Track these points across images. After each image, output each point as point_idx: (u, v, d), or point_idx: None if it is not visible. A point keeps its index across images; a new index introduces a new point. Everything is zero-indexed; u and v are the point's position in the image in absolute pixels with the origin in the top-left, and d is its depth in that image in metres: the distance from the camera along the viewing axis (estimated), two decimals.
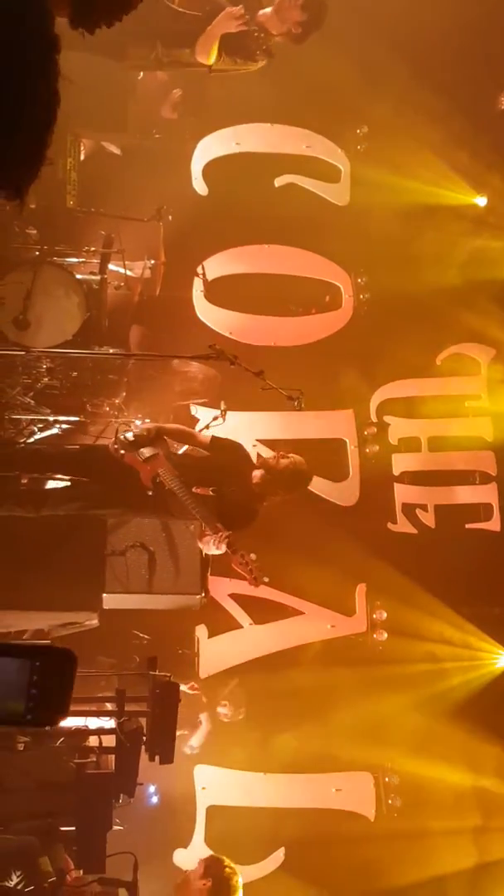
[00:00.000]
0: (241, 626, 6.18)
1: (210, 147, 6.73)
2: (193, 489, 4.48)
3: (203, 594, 5.08)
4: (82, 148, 6.03)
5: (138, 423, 5.06)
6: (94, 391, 5.58)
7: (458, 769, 5.97)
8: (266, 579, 4.43)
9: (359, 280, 6.85)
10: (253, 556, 4.39)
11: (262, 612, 6.12)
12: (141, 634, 5.67)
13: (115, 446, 4.55)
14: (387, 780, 6.11)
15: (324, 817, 5.96)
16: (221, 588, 5.97)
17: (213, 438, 4.78)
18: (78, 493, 4.71)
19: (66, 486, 4.74)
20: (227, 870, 4.36)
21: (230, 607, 6.12)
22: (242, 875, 4.58)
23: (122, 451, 4.50)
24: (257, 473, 4.64)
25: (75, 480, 4.73)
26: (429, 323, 6.65)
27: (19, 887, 3.92)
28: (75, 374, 5.54)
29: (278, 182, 6.76)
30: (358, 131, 6.81)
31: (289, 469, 4.58)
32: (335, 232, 6.67)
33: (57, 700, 1.53)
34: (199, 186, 6.67)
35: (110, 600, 4.96)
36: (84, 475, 4.73)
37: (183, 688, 5.22)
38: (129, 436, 4.53)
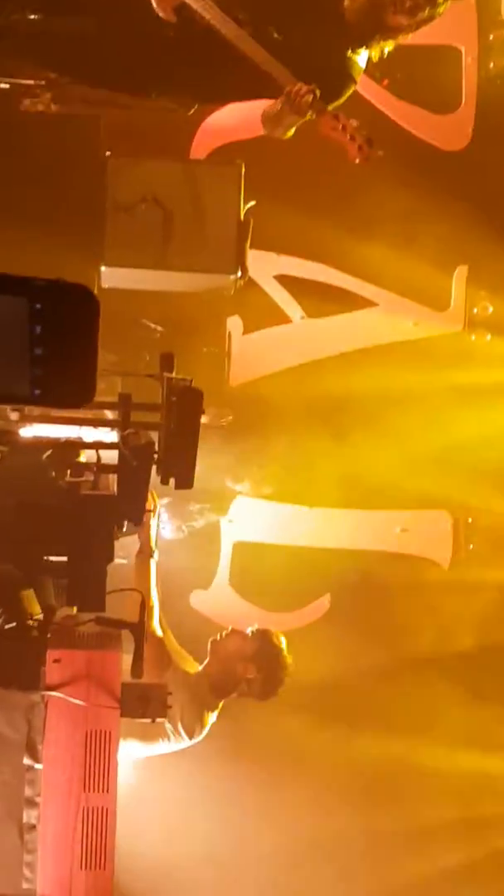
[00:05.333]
0: (291, 321, 6.11)
1: None
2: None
3: (239, 274, 5.00)
4: None
5: None
6: None
7: None
8: (381, 152, 4.19)
9: None
10: (354, 121, 4.07)
11: (320, 301, 6.04)
12: (152, 325, 5.67)
13: None
14: (469, 520, 6.27)
15: (382, 562, 6.19)
16: (265, 266, 5.86)
17: None
18: None
19: None
20: (284, 666, 4.68)
21: (276, 293, 6.03)
22: (277, 625, 4.96)
23: None
24: None
25: None
26: None
27: None
28: None
29: None
30: None
31: None
32: None
33: (75, 366, 1.45)
34: None
35: (111, 276, 4.91)
36: None
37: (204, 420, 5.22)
38: None
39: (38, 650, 3.83)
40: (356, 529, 6.19)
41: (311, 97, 3.92)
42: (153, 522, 4.81)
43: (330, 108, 4.12)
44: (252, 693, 4.75)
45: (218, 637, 4.87)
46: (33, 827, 3.66)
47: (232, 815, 5.60)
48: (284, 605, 5.99)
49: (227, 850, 5.57)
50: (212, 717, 4.69)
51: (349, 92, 4.29)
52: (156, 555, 4.80)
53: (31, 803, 3.68)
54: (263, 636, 4.80)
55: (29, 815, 3.67)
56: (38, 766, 3.70)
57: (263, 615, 5.87)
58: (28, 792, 3.70)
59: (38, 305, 1.42)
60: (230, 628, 4.92)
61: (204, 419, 5.61)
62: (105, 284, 4.90)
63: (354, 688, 5.82)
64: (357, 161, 4.08)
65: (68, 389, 1.46)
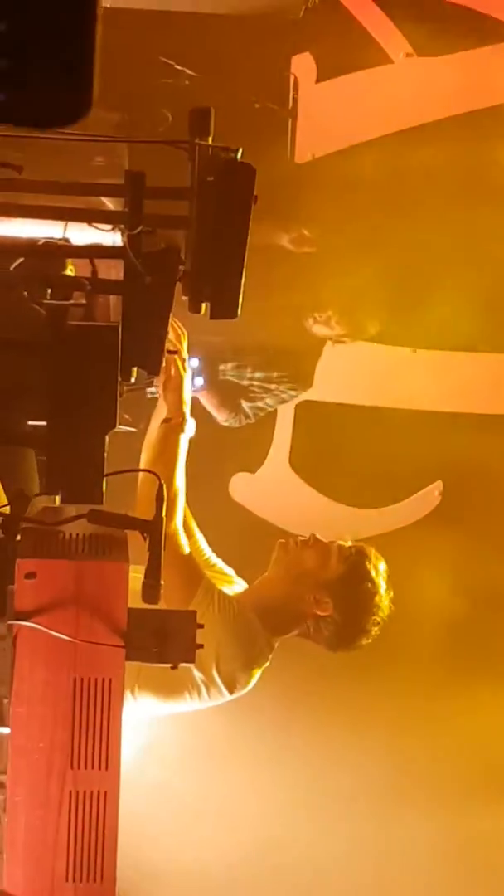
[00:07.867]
0: (391, 61, 6.05)
1: None
2: None
3: None
4: None
5: None
6: None
7: None
8: None
9: None
10: None
11: (436, 29, 6.04)
12: (178, 67, 5.70)
13: None
14: None
15: None
16: None
17: None
18: None
19: None
20: (375, 611, 4.74)
21: (367, 17, 5.91)
22: (362, 526, 5.07)
23: None
24: None
25: None
26: None
27: None
28: None
29: None
30: None
31: None
32: None
33: (60, 54, 1.44)
34: None
35: None
36: None
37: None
38: None
39: (3, 560, 3.82)
40: (486, 384, 6.21)
41: None
42: (186, 376, 4.76)
43: None
44: (319, 638, 4.80)
45: (291, 543, 4.84)
46: None
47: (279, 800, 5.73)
48: (373, 496, 6.11)
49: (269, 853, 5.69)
50: (261, 664, 4.71)
51: None
52: (190, 426, 4.78)
53: None
54: (357, 559, 4.81)
55: None
56: (3, 730, 3.72)
57: (340, 511, 5.97)
58: None
59: None
60: (311, 536, 4.88)
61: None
62: (105, 2, 4.83)
63: (477, 625, 5.88)
64: None
65: (49, 94, 1.37)
